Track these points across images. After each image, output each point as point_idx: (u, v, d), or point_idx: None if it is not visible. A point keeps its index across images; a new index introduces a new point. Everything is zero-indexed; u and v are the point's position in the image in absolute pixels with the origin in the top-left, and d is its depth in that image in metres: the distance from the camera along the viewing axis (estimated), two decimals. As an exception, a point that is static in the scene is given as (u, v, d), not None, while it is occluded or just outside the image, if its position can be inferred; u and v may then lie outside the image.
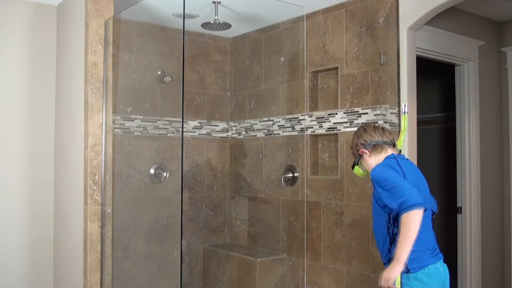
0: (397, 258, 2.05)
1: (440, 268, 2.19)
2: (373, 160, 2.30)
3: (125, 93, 3.88)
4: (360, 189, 3.43)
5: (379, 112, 3.33)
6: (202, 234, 4.37)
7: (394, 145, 2.33)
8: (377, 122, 3.21)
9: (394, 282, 2.09)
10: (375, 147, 2.29)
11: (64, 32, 3.59)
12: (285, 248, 3.99)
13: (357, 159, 2.38)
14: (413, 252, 2.07)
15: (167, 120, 4.15)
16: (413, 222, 2.01)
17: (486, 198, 4.07)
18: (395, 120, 3.25)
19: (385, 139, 2.30)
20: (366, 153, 2.31)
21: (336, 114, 3.63)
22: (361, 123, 3.34)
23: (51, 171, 3.67)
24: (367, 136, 2.31)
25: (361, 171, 2.45)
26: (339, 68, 3.62)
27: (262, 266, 3.84)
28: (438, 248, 2.27)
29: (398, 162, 2.22)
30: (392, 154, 2.30)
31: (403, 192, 2.05)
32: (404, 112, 2.54)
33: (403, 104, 2.60)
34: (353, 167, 2.47)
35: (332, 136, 3.75)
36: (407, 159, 2.37)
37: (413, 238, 2.02)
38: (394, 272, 2.07)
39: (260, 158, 4.26)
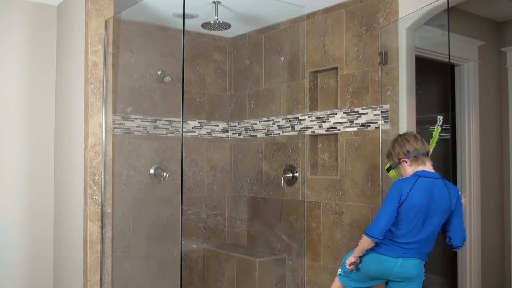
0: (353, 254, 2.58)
1: (398, 263, 2.48)
2: (411, 169, 2.50)
3: (125, 93, 3.88)
4: (360, 189, 3.43)
5: (378, 112, 3.33)
6: (202, 234, 4.37)
7: (428, 154, 2.52)
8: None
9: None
10: (416, 158, 2.49)
11: (64, 32, 3.59)
12: (285, 248, 3.99)
13: (395, 164, 2.57)
14: (384, 239, 2.48)
15: (167, 120, 4.15)
16: (362, 243, 2.50)
17: (486, 198, 4.06)
18: (395, 121, 3.26)
19: (424, 151, 2.49)
20: (407, 162, 2.50)
21: (336, 114, 3.63)
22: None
23: (51, 171, 3.67)
24: (410, 147, 2.50)
25: (395, 173, 2.63)
26: (339, 68, 3.62)
27: (262, 266, 3.84)
28: (413, 249, 2.48)
29: (414, 184, 2.42)
30: (423, 171, 2.47)
31: (377, 218, 2.45)
32: (438, 125, 2.69)
33: (439, 117, 2.72)
34: (388, 170, 2.65)
35: (332, 136, 3.75)
36: (437, 178, 2.48)
37: (359, 252, 2.52)
38: (349, 257, 2.60)
39: (260, 158, 4.26)
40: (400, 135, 2.60)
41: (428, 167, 2.50)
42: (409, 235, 2.46)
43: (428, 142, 2.68)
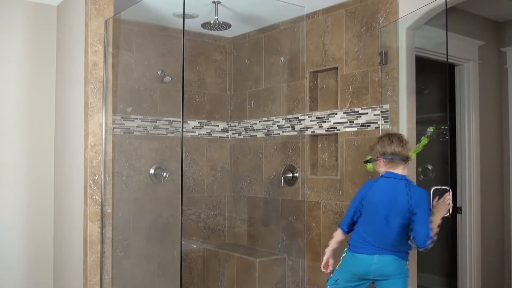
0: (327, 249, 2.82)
1: (374, 260, 2.59)
2: (384, 168, 2.64)
3: (125, 93, 3.88)
4: (360, 189, 3.42)
5: (378, 112, 3.33)
6: (202, 234, 4.37)
7: (405, 159, 2.60)
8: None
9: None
10: (391, 161, 2.60)
11: (64, 32, 3.59)
12: (285, 248, 3.99)
13: (373, 160, 2.71)
14: (352, 238, 2.69)
15: (167, 120, 4.15)
16: (334, 233, 2.79)
17: (486, 198, 4.06)
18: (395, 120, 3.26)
19: (401, 156, 2.59)
20: (382, 162, 2.63)
21: (336, 114, 3.64)
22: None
23: (51, 171, 3.67)
24: (390, 149, 2.60)
25: (371, 167, 2.76)
26: (339, 68, 3.62)
27: (262, 266, 3.84)
28: (386, 248, 2.58)
29: (374, 184, 2.62)
30: (390, 172, 2.61)
31: (346, 213, 2.74)
32: (427, 136, 2.76)
33: (429, 129, 2.79)
34: (366, 162, 2.77)
35: (332, 136, 3.75)
36: (400, 179, 2.59)
37: (331, 244, 2.77)
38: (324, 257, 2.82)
39: (260, 158, 4.26)
40: (387, 135, 2.69)
41: (399, 170, 2.59)
42: (376, 235, 2.58)
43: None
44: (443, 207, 2.61)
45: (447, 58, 3.10)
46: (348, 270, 2.69)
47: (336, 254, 2.81)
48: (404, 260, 2.62)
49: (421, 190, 2.58)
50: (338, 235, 2.76)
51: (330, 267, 2.78)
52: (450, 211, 2.65)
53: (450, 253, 4.52)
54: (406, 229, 2.57)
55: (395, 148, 2.59)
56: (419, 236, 2.49)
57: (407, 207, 2.52)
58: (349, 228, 2.70)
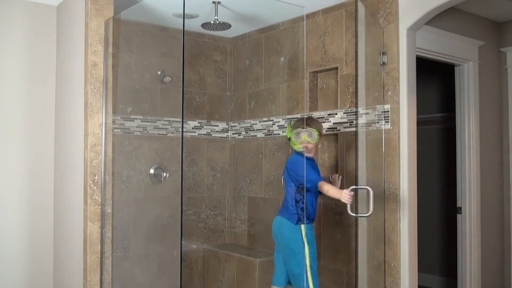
0: None
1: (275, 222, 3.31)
2: None
3: (125, 93, 3.88)
4: (360, 189, 3.42)
5: (379, 112, 3.33)
6: (202, 234, 4.37)
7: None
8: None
9: None
10: None
11: (64, 32, 3.59)
12: (285, 248, 3.98)
13: None
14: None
15: (167, 120, 4.15)
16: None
17: (486, 198, 4.06)
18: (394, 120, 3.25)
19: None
20: None
21: (336, 114, 3.63)
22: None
23: (51, 171, 3.67)
24: None
25: None
26: (339, 68, 3.62)
27: (262, 266, 3.84)
28: (283, 207, 3.28)
29: None
30: None
31: None
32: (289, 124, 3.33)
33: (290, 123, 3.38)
34: None
35: (332, 136, 3.75)
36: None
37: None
38: None
39: (260, 158, 4.26)
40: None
41: None
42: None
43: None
44: (346, 195, 2.89)
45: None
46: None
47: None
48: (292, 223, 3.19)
49: (289, 160, 3.23)
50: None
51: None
52: (349, 202, 2.88)
53: (450, 253, 4.52)
54: (289, 189, 3.17)
55: None
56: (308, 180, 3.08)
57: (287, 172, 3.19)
58: None
